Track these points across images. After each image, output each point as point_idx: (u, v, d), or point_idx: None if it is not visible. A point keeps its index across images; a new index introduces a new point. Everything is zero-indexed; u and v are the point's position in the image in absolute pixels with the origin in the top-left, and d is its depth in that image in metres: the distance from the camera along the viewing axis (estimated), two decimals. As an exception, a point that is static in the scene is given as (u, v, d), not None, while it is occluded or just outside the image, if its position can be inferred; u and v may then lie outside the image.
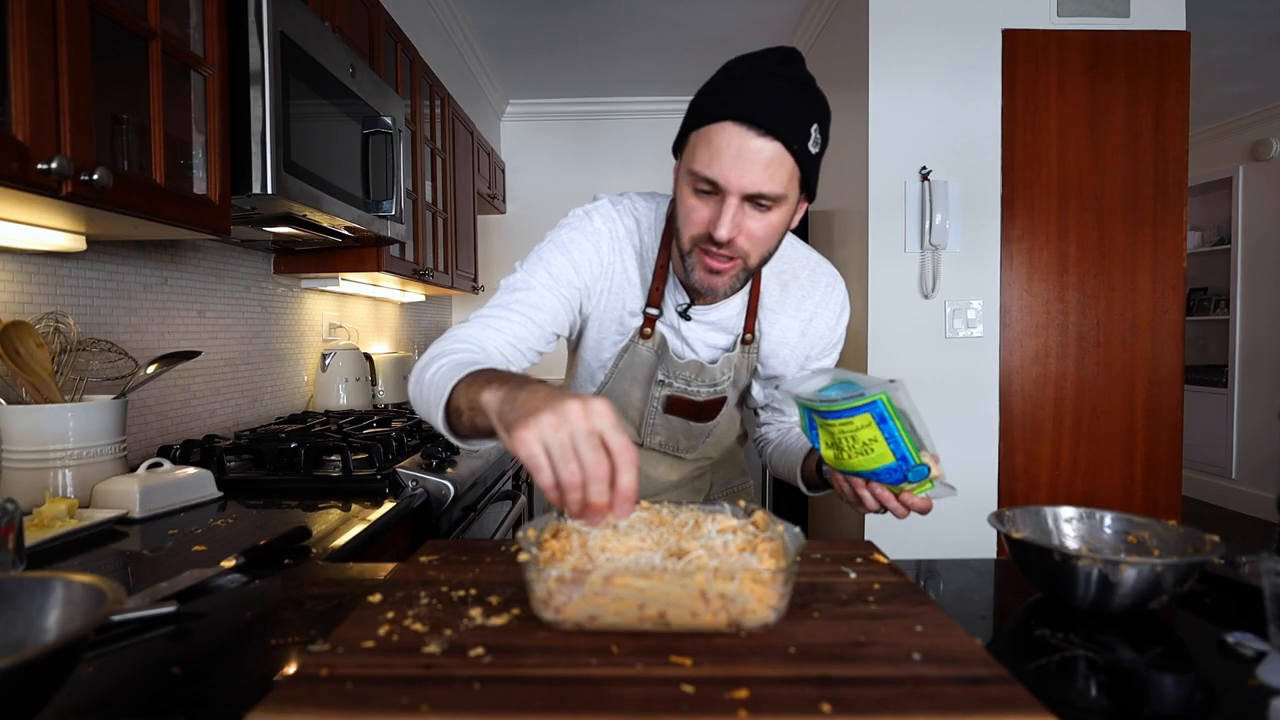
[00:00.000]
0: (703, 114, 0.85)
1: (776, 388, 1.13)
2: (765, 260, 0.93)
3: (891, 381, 0.78)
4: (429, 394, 0.81)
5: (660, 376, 1.07)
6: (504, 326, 0.94)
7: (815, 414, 0.82)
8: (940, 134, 2.44)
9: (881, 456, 0.79)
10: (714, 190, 0.85)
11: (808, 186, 0.89)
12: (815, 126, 0.84)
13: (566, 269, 0.98)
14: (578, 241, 0.99)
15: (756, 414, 1.21)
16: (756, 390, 1.15)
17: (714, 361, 1.05)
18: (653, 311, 1.03)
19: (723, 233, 0.85)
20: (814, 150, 0.85)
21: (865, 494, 0.85)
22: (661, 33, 3.37)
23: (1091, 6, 2.41)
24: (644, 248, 1.03)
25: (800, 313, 1.07)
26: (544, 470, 0.56)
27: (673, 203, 0.96)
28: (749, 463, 1.36)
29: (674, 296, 1.03)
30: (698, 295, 1.00)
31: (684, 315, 1.03)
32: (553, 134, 4.36)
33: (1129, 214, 2.43)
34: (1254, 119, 4.46)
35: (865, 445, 0.79)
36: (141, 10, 1.05)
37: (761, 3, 3.10)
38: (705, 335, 1.05)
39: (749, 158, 0.81)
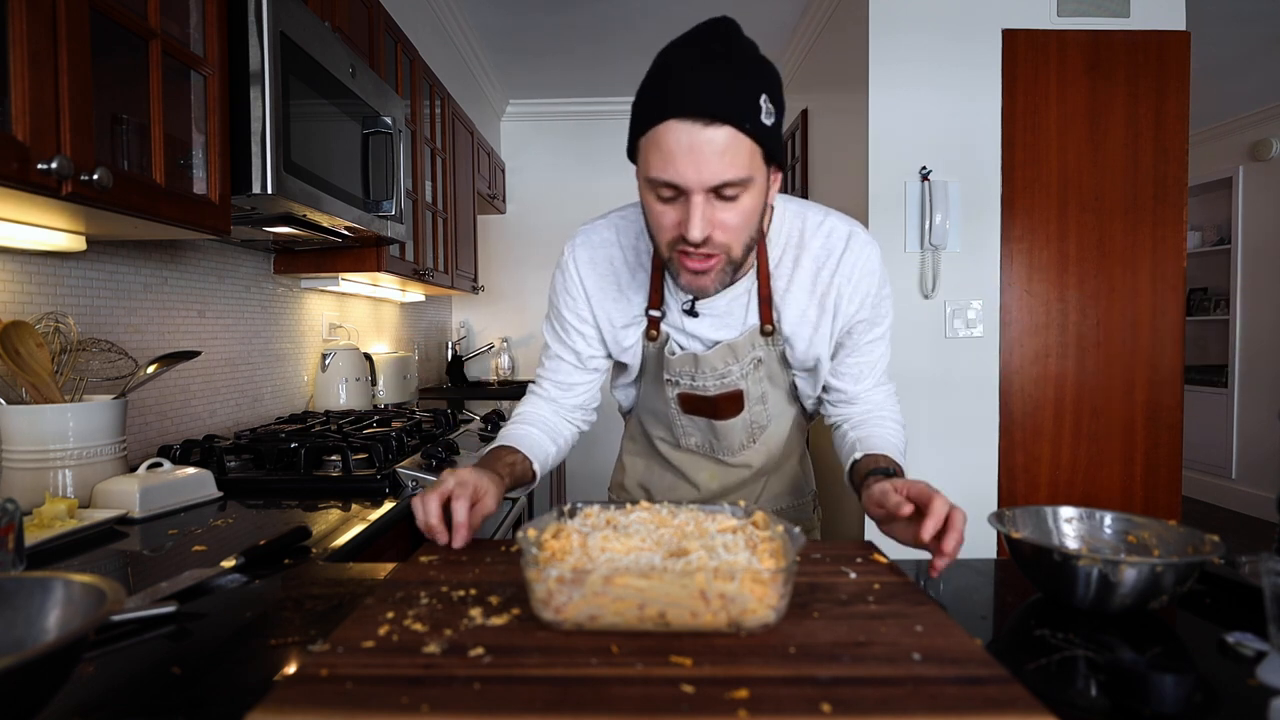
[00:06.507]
0: (646, 116, 0.81)
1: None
2: (750, 247, 0.89)
3: None
4: None
5: (666, 376, 1.06)
6: (542, 393, 1.13)
7: None
8: (940, 134, 2.44)
9: None
10: (676, 192, 0.81)
11: (774, 159, 0.84)
12: (764, 97, 0.79)
13: (569, 316, 1.08)
14: (561, 290, 1.08)
15: (825, 391, 1.10)
16: (804, 381, 1.08)
17: (710, 349, 1.02)
18: (655, 313, 1.03)
19: (695, 234, 0.81)
20: (768, 122, 0.80)
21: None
22: (661, 33, 3.33)
23: (1091, 6, 2.41)
24: (629, 255, 1.03)
25: (817, 285, 0.99)
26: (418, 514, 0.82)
27: None
28: (805, 482, 1.23)
29: (678, 295, 1.02)
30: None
31: (689, 312, 1.01)
32: (553, 134, 4.35)
33: (1129, 214, 2.43)
34: (1254, 119, 4.46)
35: None
36: (141, 10, 1.05)
37: (761, 3, 3.10)
38: (711, 330, 1.02)
39: (702, 151, 0.77)
